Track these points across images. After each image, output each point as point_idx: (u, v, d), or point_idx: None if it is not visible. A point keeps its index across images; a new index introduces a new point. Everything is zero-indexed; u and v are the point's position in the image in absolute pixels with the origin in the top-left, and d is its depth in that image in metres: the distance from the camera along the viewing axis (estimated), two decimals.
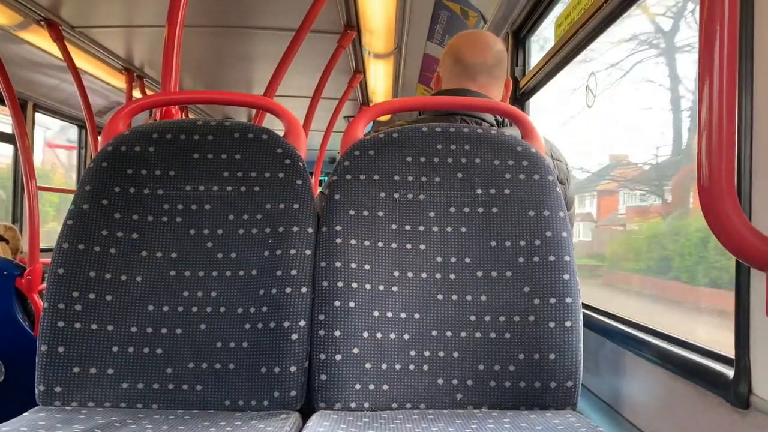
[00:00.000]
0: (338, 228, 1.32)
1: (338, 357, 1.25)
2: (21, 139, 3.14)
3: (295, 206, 1.34)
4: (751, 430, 0.94)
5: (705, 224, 0.80)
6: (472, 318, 1.29)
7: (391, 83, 4.50)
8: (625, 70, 2.03)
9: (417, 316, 1.29)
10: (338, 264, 1.29)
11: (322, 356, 1.25)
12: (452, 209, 1.35)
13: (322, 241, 1.32)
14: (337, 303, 1.27)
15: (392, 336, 1.28)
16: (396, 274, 1.32)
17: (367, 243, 1.32)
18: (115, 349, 1.27)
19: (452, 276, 1.32)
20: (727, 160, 0.76)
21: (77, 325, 1.27)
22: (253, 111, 4.78)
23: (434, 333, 1.29)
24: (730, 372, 0.99)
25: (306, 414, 1.23)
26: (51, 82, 4.20)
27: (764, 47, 0.92)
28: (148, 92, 4.32)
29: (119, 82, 4.20)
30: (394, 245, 1.33)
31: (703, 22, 0.77)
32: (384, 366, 1.26)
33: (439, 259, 1.33)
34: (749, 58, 0.93)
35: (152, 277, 1.32)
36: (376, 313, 1.28)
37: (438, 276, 1.32)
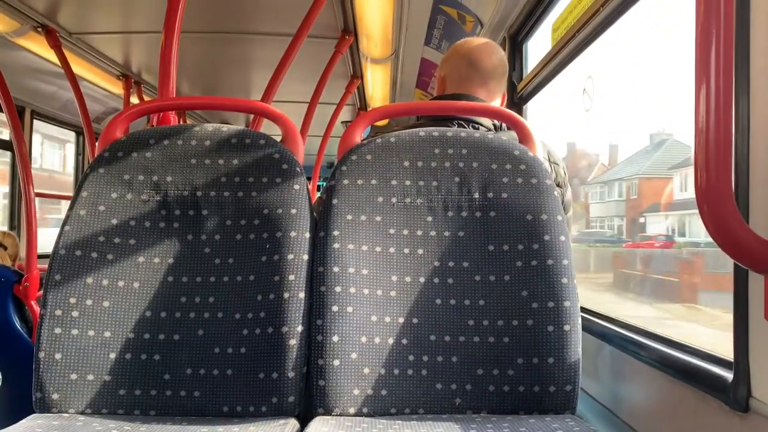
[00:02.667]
0: (336, 233, 1.32)
1: (336, 362, 1.24)
2: (18, 146, 3.14)
3: (293, 211, 1.33)
4: None
5: None
6: (471, 322, 1.29)
7: (388, 88, 4.49)
8: None
9: (415, 320, 1.29)
10: (336, 269, 1.29)
11: (321, 361, 1.25)
12: (450, 213, 1.35)
13: (319, 246, 1.32)
14: (335, 308, 1.26)
15: (390, 341, 1.27)
16: (394, 278, 1.31)
17: (365, 248, 1.32)
18: (112, 355, 1.27)
19: (450, 280, 1.32)
20: (724, 162, 0.76)
21: (74, 332, 1.26)
22: (251, 116, 4.79)
23: (432, 338, 1.28)
24: (729, 375, 0.99)
25: (304, 420, 1.22)
26: (48, 88, 4.20)
27: (760, 50, 0.92)
28: (146, 98, 4.32)
29: (117, 88, 4.20)
30: (391, 250, 1.33)
31: (699, 24, 0.77)
32: (382, 371, 1.26)
33: (437, 264, 1.33)
34: (745, 61, 0.94)
35: (150, 283, 1.32)
36: (374, 318, 1.28)
37: (436, 280, 1.32)
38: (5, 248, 3.56)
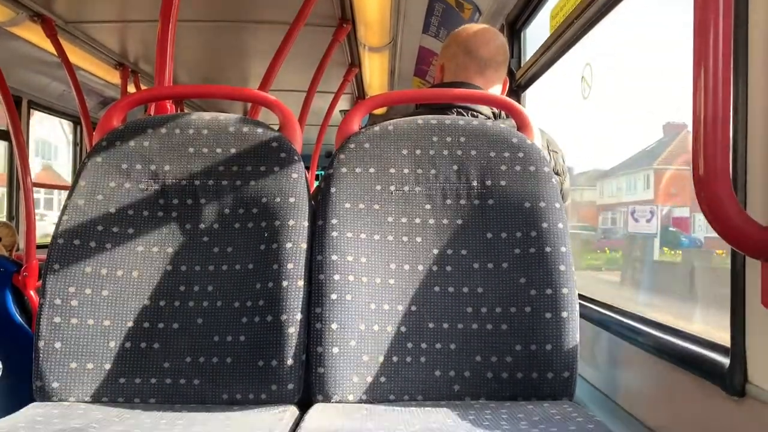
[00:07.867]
0: (334, 221, 1.32)
1: (335, 350, 1.25)
2: (16, 136, 3.13)
3: (291, 200, 1.33)
4: (747, 418, 0.95)
5: None
6: (469, 309, 1.29)
7: (386, 76, 4.48)
8: None
9: (414, 308, 1.30)
10: (334, 257, 1.29)
11: (319, 349, 1.25)
12: (448, 201, 1.35)
13: (318, 235, 1.32)
14: (333, 296, 1.27)
15: (389, 328, 1.28)
16: (392, 266, 1.32)
17: (363, 236, 1.32)
18: (112, 344, 1.27)
19: (448, 268, 1.32)
20: (722, 149, 0.77)
21: (74, 321, 1.26)
22: (249, 105, 4.78)
23: (431, 325, 1.29)
24: (726, 361, 1.00)
25: (304, 407, 1.23)
26: (45, 78, 4.18)
27: (759, 36, 0.92)
28: (143, 88, 4.31)
29: (114, 78, 4.19)
30: (390, 238, 1.33)
31: (698, 11, 0.77)
32: (381, 358, 1.26)
33: (435, 251, 1.33)
34: (744, 48, 0.93)
35: (148, 271, 1.32)
36: (372, 306, 1.28)
37: (434, 268, 1.32)
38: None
